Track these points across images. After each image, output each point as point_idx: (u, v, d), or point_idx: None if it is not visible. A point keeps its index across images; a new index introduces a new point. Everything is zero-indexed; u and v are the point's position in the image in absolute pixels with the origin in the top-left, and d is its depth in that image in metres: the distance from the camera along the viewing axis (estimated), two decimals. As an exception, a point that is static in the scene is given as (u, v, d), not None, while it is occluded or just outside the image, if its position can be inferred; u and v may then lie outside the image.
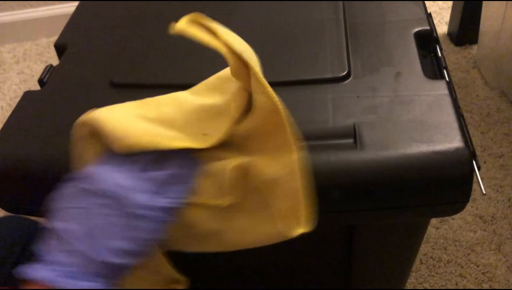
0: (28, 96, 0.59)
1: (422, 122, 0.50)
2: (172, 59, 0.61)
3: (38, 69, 1.33)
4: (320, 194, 0.46)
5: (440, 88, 0.54)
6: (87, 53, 0.65)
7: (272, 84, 0.55)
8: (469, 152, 0.48)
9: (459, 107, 0.52)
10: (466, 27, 1.18)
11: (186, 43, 0.62)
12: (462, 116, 0.52)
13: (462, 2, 1.15)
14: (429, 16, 0.64)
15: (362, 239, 0.60)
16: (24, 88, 1.27)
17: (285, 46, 0.60)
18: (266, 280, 0.71)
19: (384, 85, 0.55)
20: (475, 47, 1.20)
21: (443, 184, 0.48)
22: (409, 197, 0.49)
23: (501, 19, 0.99)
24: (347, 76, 0.56)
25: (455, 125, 0.50)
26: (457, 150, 0.47)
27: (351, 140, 0.49)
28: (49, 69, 0.63)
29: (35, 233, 0.83)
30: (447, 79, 0.56)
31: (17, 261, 0.77)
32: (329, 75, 0.56)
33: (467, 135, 0.49)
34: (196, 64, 0.60)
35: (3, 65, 1.36)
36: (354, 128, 0.50)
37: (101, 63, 0.62)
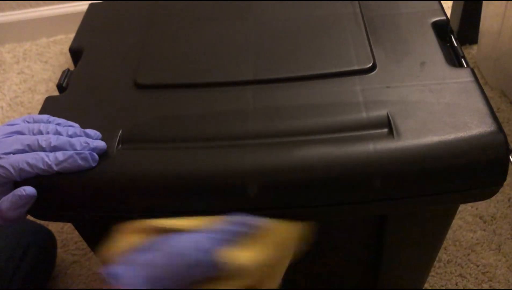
0: (50, 101, 0.59)
1: (454, 109, 0.51)
2: (195, 57, 0.61)
3: (38, 69, 1.33)
4: (361, 185, 0.47)
5: (466, 76, 0.55)
6: (106, 55, 0.64)
7: (300, 78, 0.56)
8: (503, 135, 0.49)
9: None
10: (466, 27, 1.18)
11: (208, 40, 0.63)
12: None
13: (462, 2, 1.14)
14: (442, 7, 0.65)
15: (394, 229, 0.60)
16: (24, 88, 1.27)
17: (307, 40, 0.61)
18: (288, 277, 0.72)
19: (410, 74, 0.56)
20: (475, 47, 1.20)
21: (480, 168, 0.49)
22: (447, 183, 0.50)
23: (501, 19, 0.99)
24: (373, 67, 0.57)
25: (486, 110, 0.51)
26: (492, 133, 0.49)
27: (385, 130, 0.50)
28: (67, 73, 0.63)
29: (38, 236, 0.83)
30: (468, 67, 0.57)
31: (19, 264, 0.77)
32: (355, 67, 0.57)
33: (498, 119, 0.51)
34: (220, 61, 0.60)
35: (3, 65, 1.36)
36: (388, 118, 0.51)
37: (122, 65, 0.62)
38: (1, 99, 1.26)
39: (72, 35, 1.41)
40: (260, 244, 0.47)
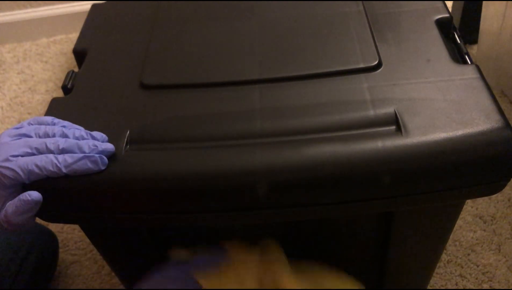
0: (55, 103, 0.59)
1: (461, 105, 0.51)
2: (201, 57, 0.61)
3: (38, 69, 1.33)
4: (370, 182, 0.48)
5: (471, 72, 0.55)
6: (110, 56, 0.64)
7: (307, 77, 0.57)
8: (511, 131, 0.49)
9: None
10: (466, 27, 1.18)
11: (213, 40, 0.63)
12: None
13: (462, 2, 1.15)
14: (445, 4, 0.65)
15: (401, 225, 0.60)
16: (24, 88, 1.27)
17: (312, 39, 0.61)
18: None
19: (416, 71, 0.56)
20: (475, 47, 1.20)
21: (488, 164, 0.50)
22: (456, 179, 0.50)
23: (501, 19, 0.99)
24: (379, 65, 0.57)
25: (493, 106, 0.51)
26: (499, 129, 0.49)
27: (393, 127, 0.51)
28: (72, 75, 0.63)
29: (41, 238, 0.83)
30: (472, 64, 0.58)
31: (21, 265, 0.77)
32: (361, 65, 0.57)
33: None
34: (226, 60, 0.60)
35: (3, 65, 1.36)
36: (396, 115, 0.51)
37: (127, 65, 0.62)
38: (1, 99, 1.26)
39: (72, 35, 1.41)
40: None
